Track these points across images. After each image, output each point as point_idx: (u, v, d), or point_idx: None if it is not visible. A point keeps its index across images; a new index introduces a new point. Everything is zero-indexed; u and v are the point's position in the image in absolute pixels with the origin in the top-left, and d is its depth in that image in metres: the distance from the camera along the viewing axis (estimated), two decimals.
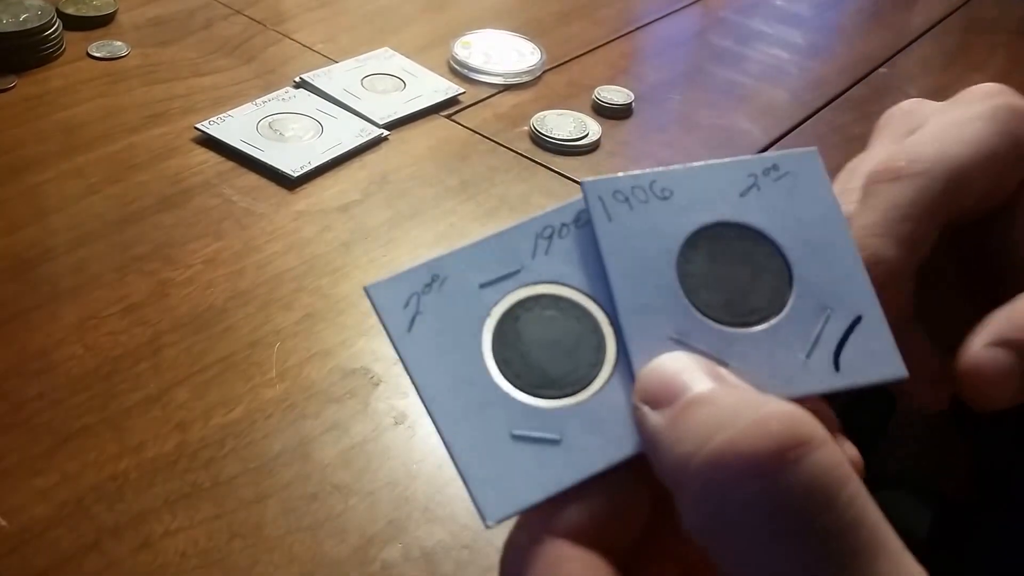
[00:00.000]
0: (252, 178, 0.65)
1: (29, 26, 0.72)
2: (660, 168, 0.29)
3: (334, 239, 0.61)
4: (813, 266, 0.28)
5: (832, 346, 0.28)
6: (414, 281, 0.27)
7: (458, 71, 0.81)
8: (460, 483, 0.46)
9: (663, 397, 0.24)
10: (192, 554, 0.42)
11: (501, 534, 0.44)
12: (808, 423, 0.22)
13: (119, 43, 0.77)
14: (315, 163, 0.66)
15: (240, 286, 0.56)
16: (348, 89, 0.75)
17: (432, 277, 0.27)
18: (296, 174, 0.65)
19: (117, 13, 0.81)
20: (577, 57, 0.86)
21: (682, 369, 0.25)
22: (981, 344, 0.30)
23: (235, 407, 0.49)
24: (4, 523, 0.43)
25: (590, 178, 0.29)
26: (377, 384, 0.51)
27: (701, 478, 0.22)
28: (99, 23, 0.79)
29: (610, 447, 0.26)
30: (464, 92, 0.77)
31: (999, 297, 0.32)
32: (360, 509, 0.45)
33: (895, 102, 0.38)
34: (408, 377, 0.26)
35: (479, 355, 0.27)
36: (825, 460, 0.21)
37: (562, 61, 0.85)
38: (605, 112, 0.77)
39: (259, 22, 0.84)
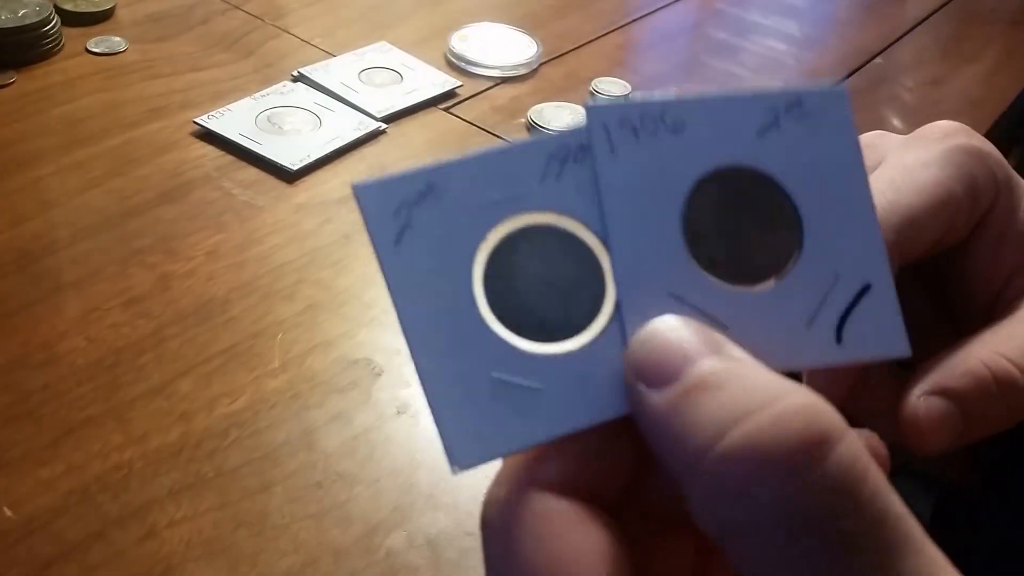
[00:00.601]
0: (252, 171, 0.65)
1: (28, 22, 0.72)
2: (674, 95, 0.26)
3: (335, 231, 0.61)
4: (826, 224, 0.26)
5: (836, 315, 0.26)
6: (408, 188, 0.24)
7: (455, 64, 0.81)
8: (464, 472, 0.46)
9: (661, 374, 0.22)
10: (197, 543, 0.43)
11: None
12: (828, 415, 0.21)
13: (117, 39, 0.77)
14: (314, 156, 0.67)
15: (242, 278, 0.56)
16: (346, 83, 0.75)
17: (428, 187, 0.24)
18: (295, 167, 0.65)
19: (115, 9, 0.81)
20: (574, 49, 0.86)
21: (681, 340, 0.23)
22: (919, 393, 0.30)
23: (238, 397, 0.49)
24: (10, 513, 0.43)
25: (595, 102, 0.26)
26: (379, 374, 0.52)
27: (715, 475, 0.20)
28: (97, 19, 0.79)
29: (595, 406, 0.24)
30: (462, 85, 0.77)
31: (960, 330, 0.32)
32: (364, 497, 0.45)
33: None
34: (390, 299, 0.24)
35: (468, 282, 0.24)
36: (847, 455, 0.20)
37: (559, 53, 0.85)
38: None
39: (257, 17, 0.84)
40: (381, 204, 0.24)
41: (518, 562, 0.22)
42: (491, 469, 0.46)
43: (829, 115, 0.27)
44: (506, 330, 0.24)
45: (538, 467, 0.23)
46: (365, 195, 0.24)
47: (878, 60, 0.92)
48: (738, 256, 0.26)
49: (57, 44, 0.75)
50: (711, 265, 0.25)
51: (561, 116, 0.74)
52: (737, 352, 0.23)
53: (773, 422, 0.20)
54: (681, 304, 0.25)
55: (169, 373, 0.50)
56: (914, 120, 0.82)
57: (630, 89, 0.78)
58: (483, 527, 0.24)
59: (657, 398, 0.22)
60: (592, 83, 0.78)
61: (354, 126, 0.70)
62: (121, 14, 0.81)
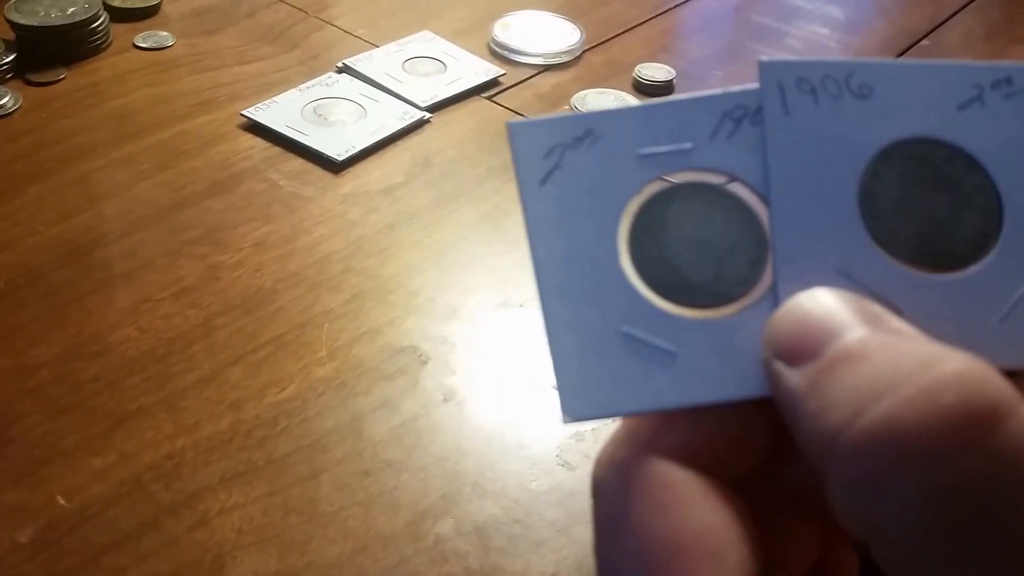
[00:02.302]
0: (298, 162, 0.66)
1: (77, 19, 0.73)
2: (862, 58, 0.24)
3: (379, 221, 0.61)
4: None
5: None
6: (565, 131, 0.23)
7: (498, 53, 0.81)
8: (510, 458, 0.47)
9: (803, 349, 0.20)
10: (248, 530, 0.43)
11: (553, 510, 0.45)
12: (992, 384, 0.17)
13: (165, 33, 0.78)
14: (359, 147, 0.67)
15: (289, 268, 0.57)
16: (390, 73, 0.75)
17: (586, 131, 0.23)
18: (341, 158, 0.66)
19: (162, 4, 0.82)
20: (617, 36, 0.86)
21: (829, 313, 0.20)
22: None
23: (287, 386, 0.50)
24: (63, 502, 0.44)
25: (769, 57, 0.24)
26: (426, 362, 0.52)
27: (853, 458, 0.18)
28: (144, 14, 0.80)
29: (732, 382, 0.22)
30: (505, 73, 0.77)
31: None
32: (412, 485, 0.46)
33: None
34: (527, 238, 0.22)
35: (613, 233, 0.23)
36: (1016, 435, 0.17)
37: (602, 40, 0.85)
38: (646, 89, 0.77)
39: (301, 9, 0.84)
40: (534, 143, 0.23)
41: (636, 531, 0.20)
42: (535, 468, 0.46)
43: None
44: (645, 286, 0.23)
45: (663, 432, 0.22)
46: (518, 134, 0.23)
47: (924, 43, 0.91)
48: (924, 234, 0.23)
49: (105, 40, 0.76)
50: (889, 243, 0.23)
51: (605, 103, 0.74)
52: (898, 324, 0.20)
53: (919, 395, 0.17)
54: (849, 281, 0.22)
55: (219, 362, 0.51)
56: None
57: (674, 74, 0.78)
58: (597, 488, 0.22)
59: (795, 377, 0.20)
60: (635, 69, 0.78)
61: (398, 116, 0.70)
62: (167, 9, 0.82)
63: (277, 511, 0.44)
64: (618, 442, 0.22)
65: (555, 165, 0.23)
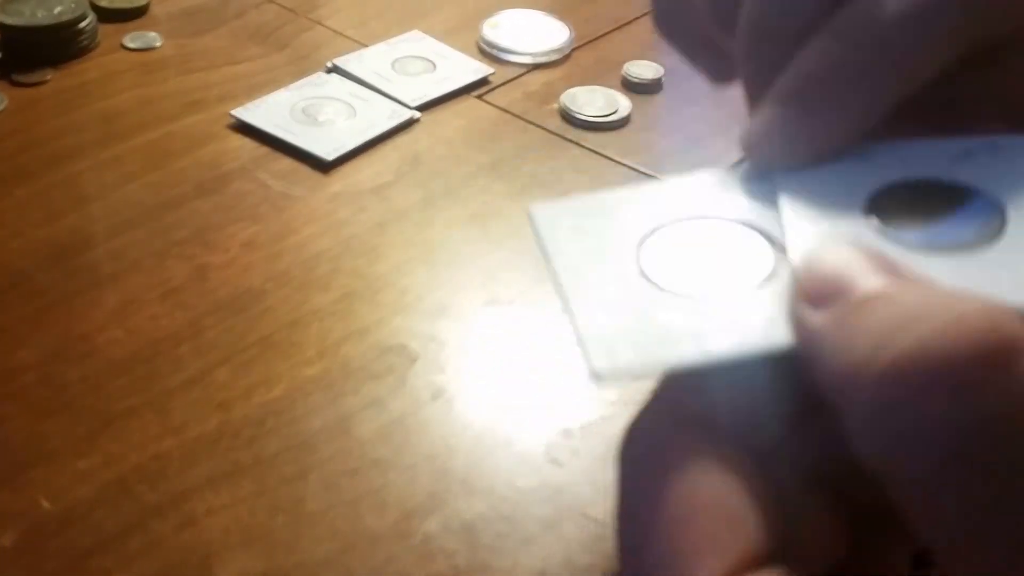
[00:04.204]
0: (287, 162, 0.66)
1: (63, 19, 0.72)
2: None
3: (368, 220, 0.61)
4: None
5: None
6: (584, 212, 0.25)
7: (487, 52, 0.81)
8: (499, 456, 0.46)
9: (828, 292, 0.20)
10: (235, 530, 0.43)
11: (542, 507, 0.44)
12: (1012, 322, 0.17)
13: (153, 34, 0.78)
14: (348, 146, 0.67)
15: (278, 268, 0.57)
16: (379, 72, 0.75)
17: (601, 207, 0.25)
18: (330, 157, 0.65)
19: (150, 5, 0.81)
20: (606, 34, 0.86)
21: (853, 260, 0.21)
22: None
23: (275, 386, 0.50)
24: (47, 505, 0.43)
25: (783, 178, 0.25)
26: (415, 360, 0.52)
27: (879, 389, 0.18)
28: (132, 15, 0.80)
29: (752, 333, 0.22)
30: (494, 72, 0.77)
31: None
32: (400, 483, 0.45)
33: None
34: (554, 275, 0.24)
35: (632, 256, 0.24)
36: None
37: (591, 38, 0.85)
38: (635, 87, 0.77)
39: (290, 10, 0.84)
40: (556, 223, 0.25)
41: (658, 494, 0.21)
42: (524, 466, 0.46)
43: None
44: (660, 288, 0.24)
45: (689, 401, 0.22)
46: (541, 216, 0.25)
47: None
48: (930, 224, 0.24)
49: (93, 41, 0.75)
50: (899, 225, 0.24)
51: (594, 100, 0.73)
52: (915, 274, 0.21)
53: (948, 325, 0.17)
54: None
55: (206, 363, 0.50)
56: None
57: (663, 72, 0.78)
58: (624, 454, 0.22)
59: (820, 316, 0.20)
60: (624, 67, 0.78)
61: (388, 115, 0.70)
62: (156, 10, 0.82)
63: (264, 511, 0.44)
64: (646, 411, 0.23)
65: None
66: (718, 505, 0.20)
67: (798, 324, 0.21)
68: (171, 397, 0.49)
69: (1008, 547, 0.17)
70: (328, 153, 0.66)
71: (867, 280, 0.20)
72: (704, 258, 0.24)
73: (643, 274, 0.24)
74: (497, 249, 0.59)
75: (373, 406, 0.49)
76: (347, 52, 0.77)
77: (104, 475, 0.45)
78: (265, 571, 0.42)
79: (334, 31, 0.82)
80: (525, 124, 0.72)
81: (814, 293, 0.21)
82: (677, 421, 0.22)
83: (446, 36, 0.81)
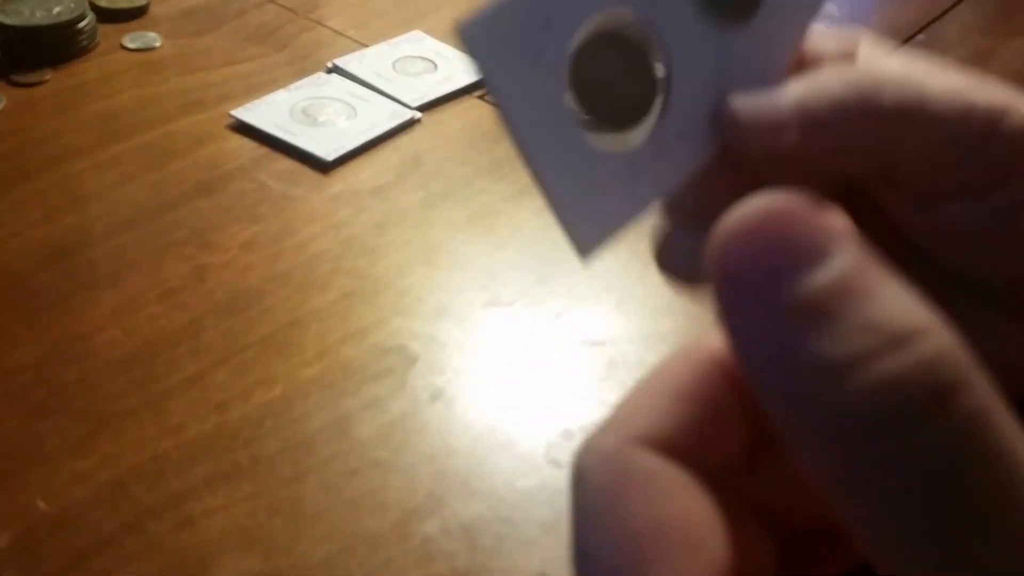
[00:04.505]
0: (287, 163, 0.65)
1: (62, 19, 0.72)
2: None
3: (368, 220, 0.61)
4: None
5: None
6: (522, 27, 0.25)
7: None
8: (498, 457, 0.46)
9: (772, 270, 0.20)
10: (232, 531, 0.43)
11: (541, 509, 0.44)
12: (962, 359, 0.18)
13: (152, 34, 0.77)
14: (348, 147, 0.66)
15: (277, 269, 0.56)
16: (380, 73, 0.75)
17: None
18: (330, 158, 0.65)
19: (150, 5, 0.81)
20: None
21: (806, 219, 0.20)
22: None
23: (274, 387, 0.49)
24: (44, 506, 0.43)
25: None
26: (414, 361, 0.51)
27: (840, 415, 0.18)
28: (132, 15, 0.80)
29: (685, 157, 0.26)
30: None
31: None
32: (399, 484, 0.45)
33: None
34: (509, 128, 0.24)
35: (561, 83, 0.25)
36: (972, 406, 0.18)
37: None
38: None
39: (290, 10, 0.84)
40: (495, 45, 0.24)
41: (617, 516, 0.21)
42: (523, 467, 0.46)
43: None
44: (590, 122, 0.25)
45: (647, 423, 0.22)
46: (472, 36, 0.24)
47: (920, 37, 0.90)
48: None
49: (92, 41, 0.75)
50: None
51: None
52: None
53: (915, 363, 0.18)
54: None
55: (204, 364, 0.50)
56: None
57: None
58: (580, 474, 0.22)
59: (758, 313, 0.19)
60: None
61: (388, 116, 0.70)
62: (156, 10, 0.81)
63: (262, 512, 0.44)
64: (603, 431, 0.22)
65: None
66: (678, 527, 0.20)
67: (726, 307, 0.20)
68: (169, 398, 0.48)
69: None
70: (328, 153, 0.65)
71: (835, 259, 0.19)
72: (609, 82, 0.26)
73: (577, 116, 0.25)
74: (498, 250, 0.59)
75: (372, 407, 0.49)
76: (348, 52, 0.77)
77: (101, 476, 0.45)
78: (262, 572, 0.41)
79: (335, 31, 0.82)
80: None
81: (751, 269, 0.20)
82: (636, 442, 0.22)
83: (448, 36, 0.81)
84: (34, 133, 0.66)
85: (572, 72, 0.25)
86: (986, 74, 0.30)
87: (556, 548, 0.43)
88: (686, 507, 0.21)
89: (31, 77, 0.71)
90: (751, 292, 0.19)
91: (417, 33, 0.81)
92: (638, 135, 0.26)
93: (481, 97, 0.74)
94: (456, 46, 0.76)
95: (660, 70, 0.27)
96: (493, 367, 0.51)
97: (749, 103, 0.28)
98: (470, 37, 0.24)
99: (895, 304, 0.19)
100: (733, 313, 0.20)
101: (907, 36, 0.90)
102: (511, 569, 0.42)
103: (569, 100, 0.25)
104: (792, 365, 0.19)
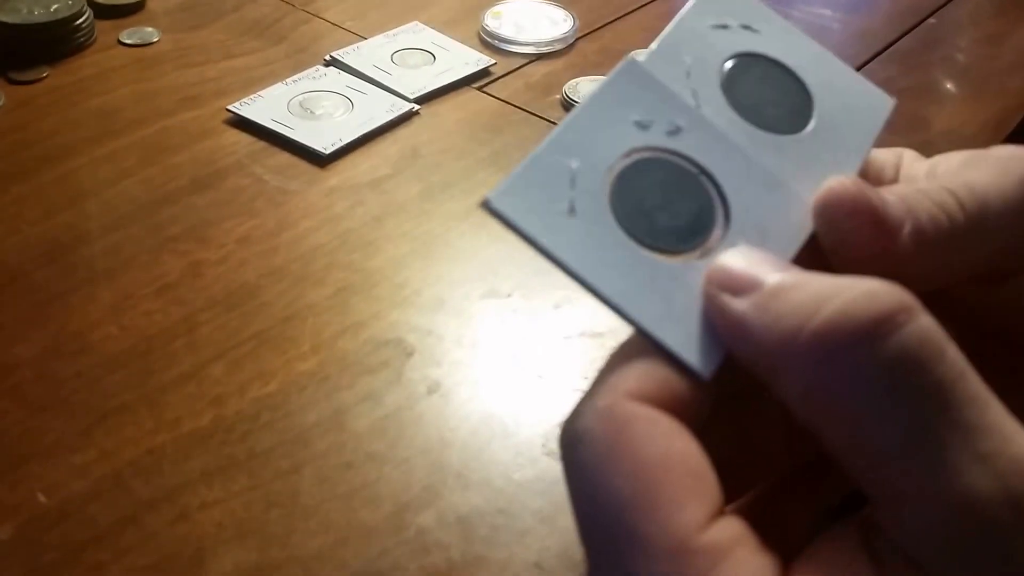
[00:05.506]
0: (284, 157, 0.65)
1: (60, 16, 0.72)
2: None
3: (366, 214, 0.61)
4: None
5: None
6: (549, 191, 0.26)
7: (489, 42, 0.80)
8: (495, 448, 0.46)
9: (745, 284, 0.25)
10: (228, 524, 0.43)
11: (538, 499, 0.44)
12: (908, 293, 0.23)
13: (150, 29, 0.78)
14: (346, 140, 0.66)
15: (273, 263, 0.57)
16: (378, 65, 0.75)
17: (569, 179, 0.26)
18: (327, 151, 0.65)
19: (147, 0, 0.81)
20: (611, 23, 0.85)
21: (753, 262, 0.25)
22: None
23: (270, 381, 0.49)
24: (43, 499, 0.43)
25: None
26: (411, 354, 0.51)
27: (811, 350, 0.22)
28: (129, 10, 0.80)
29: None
30: (495, 63, 0.77)
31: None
32: (394, 477, 0.45)
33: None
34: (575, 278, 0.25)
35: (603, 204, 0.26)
36: (929, 321, 0.22)
37: (595, 27, 0.84)
38: None
39: (288, 2, 0.84)
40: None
41: (627, 462, 0.23)
42: (520, 458, 0.46)
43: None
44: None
45: (638, 382, 0.24)
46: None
47: (931, 20, 0.90)
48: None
49: (90, 37, 0.75)
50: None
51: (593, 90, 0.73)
52: (804, 271, 0.25)
53: (862, 296, 0.22)
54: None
55: (201, 358, 0.50)
56: (968, 81, 0.80)
57: None
58: (581, 435, 0.24)
59: (743, 302, 0.24)
60: (629, 56, 0.77)
61: (386, 108, 0.70)
62: (153, 5, 0.82)
63: (258, 505, 0.44)
64: (592, 396, 0.25)
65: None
66: (684, 462, 0.23)
67: (722, 310, 0.25)
68: (165, 392, 0.48)
69: (924, 460, 0.22)
70: (325, 147, 0.65)
71: (771, 275, 0.24)
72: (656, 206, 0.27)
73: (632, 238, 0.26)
74: (496, 242, 0.59)
75: (368, 400, 0.49)
76: (345, 45, 0.77)
77: (99, 469, 0.45)
78: (258, 564, 0.41)
79: (332, 23, 0.82)
80: (527, 115, 0.71)
81: (731, 286, 0.25)
82: (631, 398, 0.24)
83: (446, 27, 0.81)
84: (32, 131, 0.66)
85: (619, 208, 0.26)
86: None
87: (552, 539, 0.43)
88: (685, 444, 0.24)
89: (29, 75, 0.71)
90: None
91: (416, 24, 0.81)
92: (706, 247, 0.27)
93: (481, 88, 0.74)
94: (457, 40, 0.76)
95: (709, 185, 0.28)
96: (490, 359, 0.51)
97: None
98: (500, 211, 0.25)
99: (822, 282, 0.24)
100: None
101: (917, 20, 0.89)
102: (507, 560, 0.42)
103: (625, 237, 0.26)
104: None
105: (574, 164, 0.26)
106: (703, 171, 0.28)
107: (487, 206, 0.25)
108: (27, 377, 0.49)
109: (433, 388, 0.50)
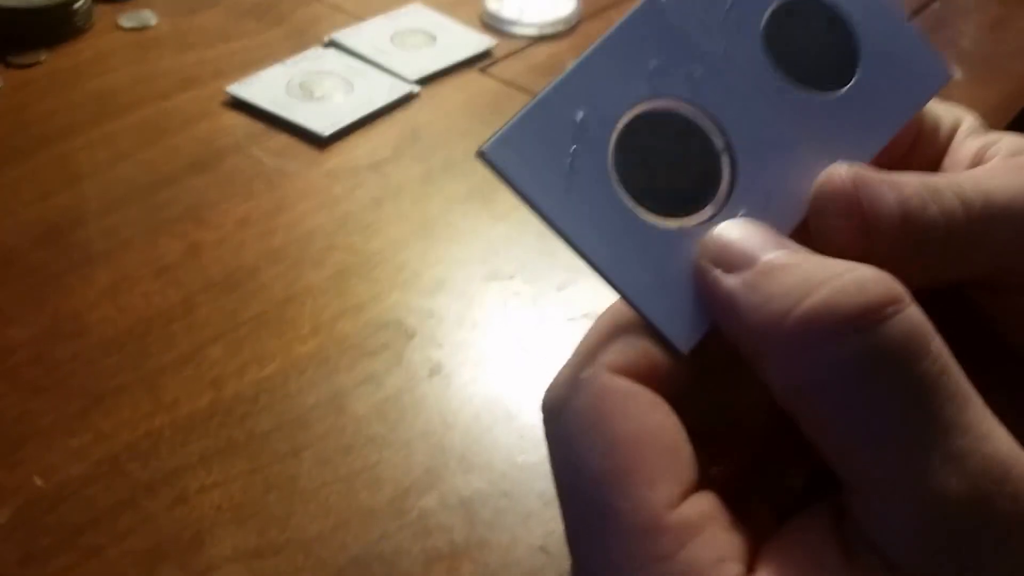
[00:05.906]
0: (283, 139, 0.65)
1: (58, 0, 0.72)
2: None
3: (365, 195, 0.60)
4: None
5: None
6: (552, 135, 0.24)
7: (490, 24, 0.79)
8: (498, 431, 0.46)
9: (735, 261, 0.24)
10: (227, 507, 0.42)
11: (541, 482, 0.44)
12: (898, 284, 0.22)
13: (148, 12, 0.77)
14: (345, 121, 0.66)
15: (272, 245, 0.56)
16: (378, 46, 0.74)
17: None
18: (327, 133, 0.64)
19: None
20: (616, 3, 0.84)
21: (749, 235, 0.25)
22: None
23: (269, 363, 0.49)
24: (40, 482, 0.43)
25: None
26: (411, 336, 0.51)
27: (795, 336, 0.22)
28: None
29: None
30: (496, 44, 0.76)
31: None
32: (395, 460, 0.45)
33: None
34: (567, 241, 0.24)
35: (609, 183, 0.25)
36: (917, 314, 0.22)
37: (600, 8, 0.83)
38: None
39: None
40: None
41: (606, 434, 0.23)
42: (523, 441, 0.45)
43: None
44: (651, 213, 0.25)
45: (618, 355, 0.24)
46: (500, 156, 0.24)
47: (935, 6, 0.89)
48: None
49: (87, 21, 0.74)
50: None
51: None
52: (801, 248, 0.25)
53: (851, 284, 0.22)
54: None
55: (199, 340, 0.50)
56: (973, 65, 0.79)
57: None
58: (562, 404, 0.24)
59: (734, 279, 0.24)
60: None
61: (386, 90, 0.69)
62: None
63: (257, 488, 0.43)
64: (576, 366, 0.25)
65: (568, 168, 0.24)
66: (660, 436, 0.23)
67: (712, 285, 0.25)
68: (163, 375, 0.48)
69: (896, 454, 0.21)
70: (324, 128, 0.65)
71: (767, 252, 0.24)
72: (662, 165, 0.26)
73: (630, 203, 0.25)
74: (498, 223, 0.58)
75: (368, 383, 0.48)
76: (345, 26, 0.76)
77: (96, 452, 0.44)
78: (257, 547, 0.41)
79: (332, 5, 0.81)
80: (528, 97, 0.71)
81: (724, 261, 0.24)
82: (611, 370, 0.24)
83: (448, 8, 0.80)
84: (29, 113, 0.66)
85: (621, 164, 0.25)
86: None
87: (557, 522, 0.42)
88: (663, 419, 0.24)
89: (27, 58, 0.70)
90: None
91: (416, 5, 0.80)
92: (707, 211, 0.26)
93: (483, 70, 0.74)
94: (458, 21, 0.75)
95: (720, 142, 0.26)
96: (493, 341, 0.51)
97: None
98: (495, 163, 0.23)
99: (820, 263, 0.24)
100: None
101: (923, 3, 0.88)
102: (511, 543, 0.42)
103: (624, 198, 0.25)
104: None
105: (579, 115, 0.25)
106: (717, 126, 0.26)
107: (482, 156, 0.23)
108: (24, 359, 0.48)
109: (435, 370, 0.49)
